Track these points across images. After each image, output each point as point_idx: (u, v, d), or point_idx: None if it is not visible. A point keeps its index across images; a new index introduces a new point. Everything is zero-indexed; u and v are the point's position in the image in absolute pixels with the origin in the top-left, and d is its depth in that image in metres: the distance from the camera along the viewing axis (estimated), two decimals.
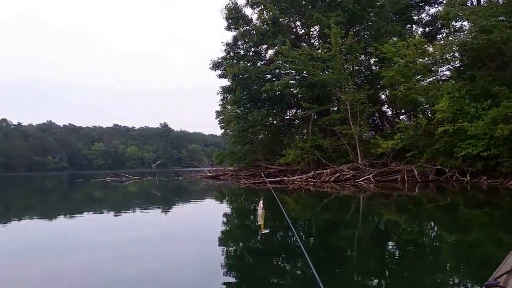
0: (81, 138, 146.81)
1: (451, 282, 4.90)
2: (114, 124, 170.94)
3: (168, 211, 13.99)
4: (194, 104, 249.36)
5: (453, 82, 20.59)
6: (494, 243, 6.94)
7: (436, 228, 9.22)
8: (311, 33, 32.71)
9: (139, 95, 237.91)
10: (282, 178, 24.45)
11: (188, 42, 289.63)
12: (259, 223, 4.27)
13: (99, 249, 7.02)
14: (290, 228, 3.89)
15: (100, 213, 13.63)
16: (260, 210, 4.31)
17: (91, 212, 13.73)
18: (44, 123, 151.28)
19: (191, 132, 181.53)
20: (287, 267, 5.85)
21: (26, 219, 12.40)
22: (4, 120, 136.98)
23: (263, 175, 25.67)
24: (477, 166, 17.75)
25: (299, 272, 5.47)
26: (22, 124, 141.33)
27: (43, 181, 48.59)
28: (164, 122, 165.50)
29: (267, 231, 4.29)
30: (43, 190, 31.50)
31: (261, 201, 4.29)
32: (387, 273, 5.45)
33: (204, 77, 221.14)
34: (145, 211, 13.60)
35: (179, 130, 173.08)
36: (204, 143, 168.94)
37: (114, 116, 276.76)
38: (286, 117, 34.68)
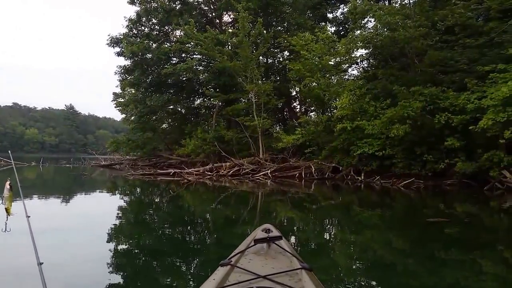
0: None
1: None
2: (13, 103, 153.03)
3: None
4: (107, 86, 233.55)
5: (357, 80, 20.37)
6: (375, 242, 6.79)
7: (322, 228, 8.51)
8: (223, 19, 31.05)
9: (44, 73, 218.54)
10: (176, 170, 22.35)
11: (104, 18, 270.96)
12: (5, 206, 3.90)
13: None
14: None
15: None
16: (6, 192, 3.95)
17: None
18: None
19: (101, 116, 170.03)
20: None
21: None
22: None
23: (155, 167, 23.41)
24: (372, 166, 17.45)
25: None
26: None
27: None
28: (70, 104, 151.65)
29: (15, 214, 3.84)
30: None
31: (8, 182, 3.92)
32: None
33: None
34: None
35: (87, 114, 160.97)
36: (115, 129, 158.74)
37: (14, 95, 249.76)
38: (193, 106, 32.59)
